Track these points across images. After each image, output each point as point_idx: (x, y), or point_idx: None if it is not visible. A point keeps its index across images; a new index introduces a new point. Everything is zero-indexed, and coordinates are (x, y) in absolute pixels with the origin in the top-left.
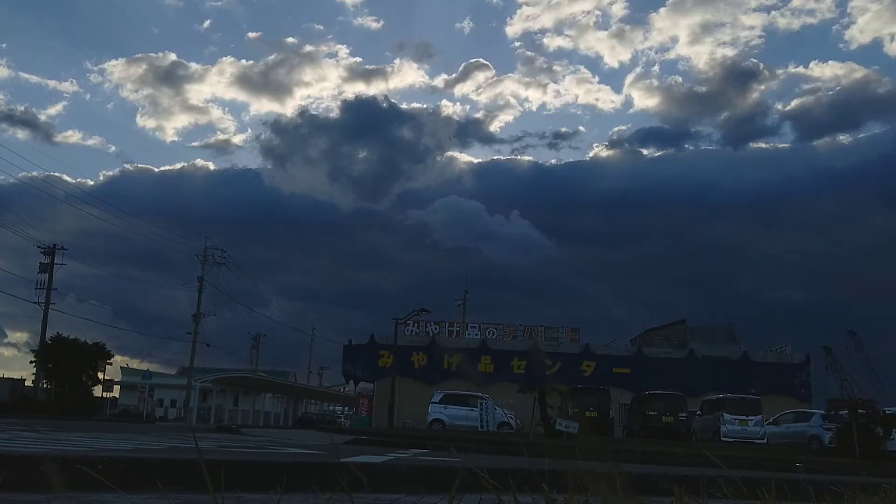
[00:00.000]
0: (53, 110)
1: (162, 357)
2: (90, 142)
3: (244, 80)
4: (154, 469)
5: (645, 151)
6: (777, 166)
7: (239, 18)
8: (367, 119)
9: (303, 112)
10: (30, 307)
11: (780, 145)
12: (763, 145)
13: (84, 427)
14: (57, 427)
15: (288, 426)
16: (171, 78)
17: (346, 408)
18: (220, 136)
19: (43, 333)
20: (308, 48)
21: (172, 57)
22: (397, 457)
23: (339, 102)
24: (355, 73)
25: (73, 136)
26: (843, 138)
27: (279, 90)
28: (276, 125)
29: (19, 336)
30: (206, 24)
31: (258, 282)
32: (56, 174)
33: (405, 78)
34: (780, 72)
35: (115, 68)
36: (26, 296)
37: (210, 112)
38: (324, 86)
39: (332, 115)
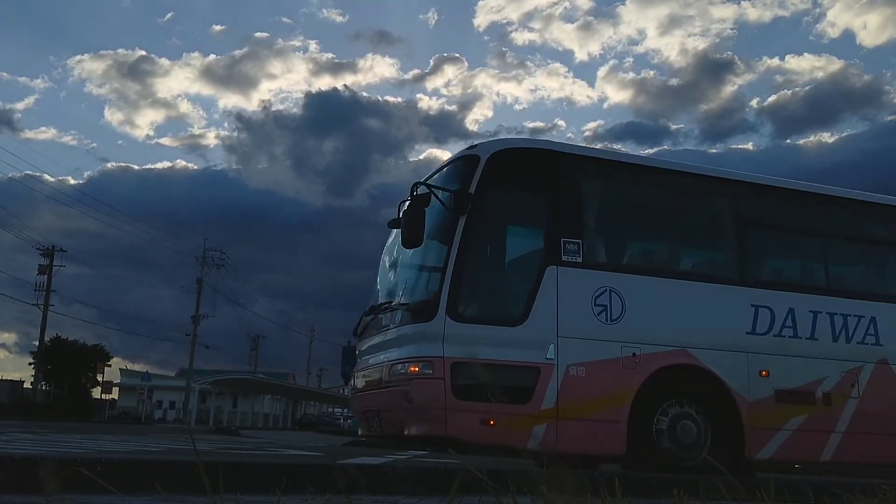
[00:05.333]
0: (22, 105)
1: (151, 358)
2: (65, 139)
3: (210, 75)
4: (152, 471)
5: (627, 149)
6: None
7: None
8: (337, 115)
9: (265, 108)
10: (13, 306)
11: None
12: (748, 147)
13: (83, 429)
14: (55, 429)
15: (287, 428)
16: (139, 73)
17: (346, 409)
18: (195, 132)
19: (42, 335)
20: (280, 43)
21: (140, 52)
22: (396, 458)
23: (308, 99)
24: (323, 68)
25: (44, 133)
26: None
27: (245, 85)
28: (242, 120)
29: (7, 337)
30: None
31: (253, 283)
32: (29, 172)
33: (377, 72)
34: (755, 62)
35: (83, 64)
36: (15, 295)
37: (180, 107)
38: (291, 78)
39: (297, 111)
